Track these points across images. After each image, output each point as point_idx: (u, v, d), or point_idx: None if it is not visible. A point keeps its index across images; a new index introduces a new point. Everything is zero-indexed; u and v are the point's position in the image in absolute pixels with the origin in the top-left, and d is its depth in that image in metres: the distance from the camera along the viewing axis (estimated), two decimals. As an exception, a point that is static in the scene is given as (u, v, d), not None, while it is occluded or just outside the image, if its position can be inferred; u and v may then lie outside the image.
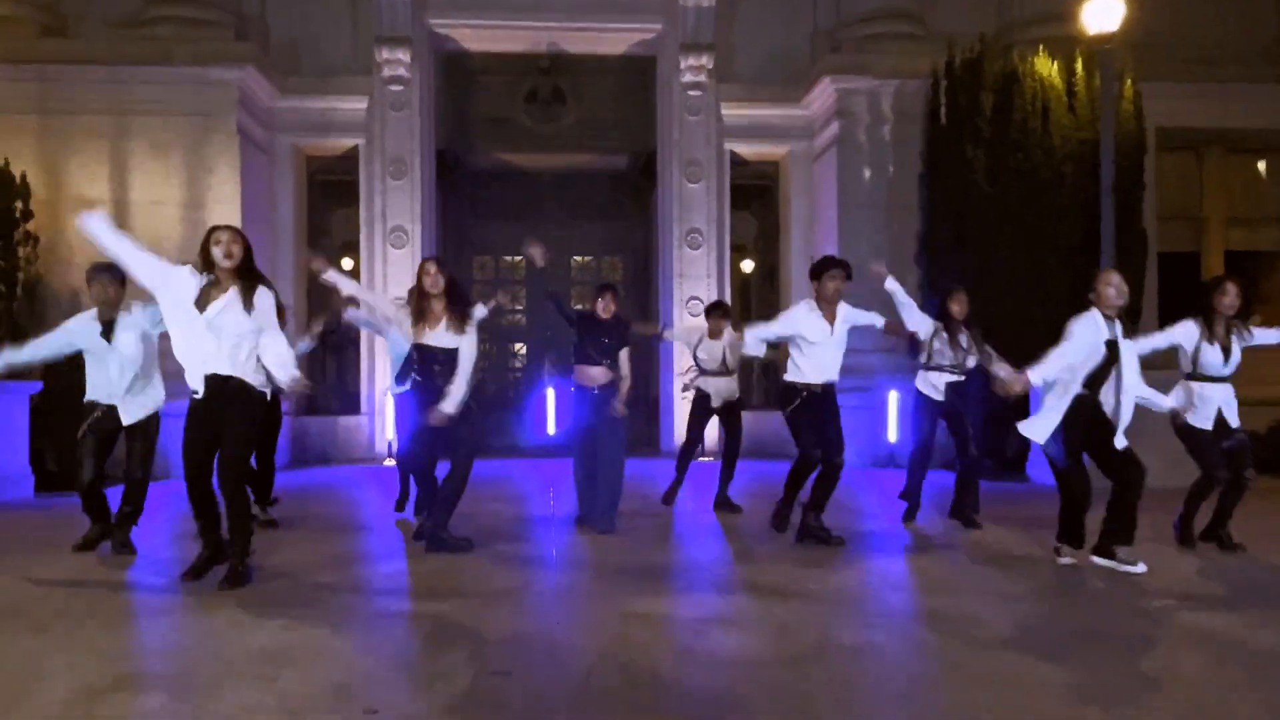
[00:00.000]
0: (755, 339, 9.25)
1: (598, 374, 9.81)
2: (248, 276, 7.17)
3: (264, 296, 7.17)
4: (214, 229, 7.16)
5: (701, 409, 11.74)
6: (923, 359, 10.30)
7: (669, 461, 12.93)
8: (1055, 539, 8.18)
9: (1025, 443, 14.20)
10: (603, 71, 20.29)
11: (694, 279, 18.59)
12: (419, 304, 8.62)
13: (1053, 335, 8.46)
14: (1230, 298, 8.74)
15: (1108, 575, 7.62)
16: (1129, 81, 15.76)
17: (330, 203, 20.42)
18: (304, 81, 17.96)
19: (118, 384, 8.47)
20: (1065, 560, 8.04)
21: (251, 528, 7.48)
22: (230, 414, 7.12)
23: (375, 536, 9.77)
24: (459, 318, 8.54)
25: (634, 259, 22.44)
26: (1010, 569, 7.88)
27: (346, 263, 20.49)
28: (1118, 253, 14.13)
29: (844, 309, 9.11)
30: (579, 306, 10.49)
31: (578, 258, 22.59)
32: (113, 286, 8.58)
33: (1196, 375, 8.79)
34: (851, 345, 9.32)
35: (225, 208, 16.07)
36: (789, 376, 9.14)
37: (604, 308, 9.91)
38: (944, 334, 10.16)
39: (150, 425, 8.65)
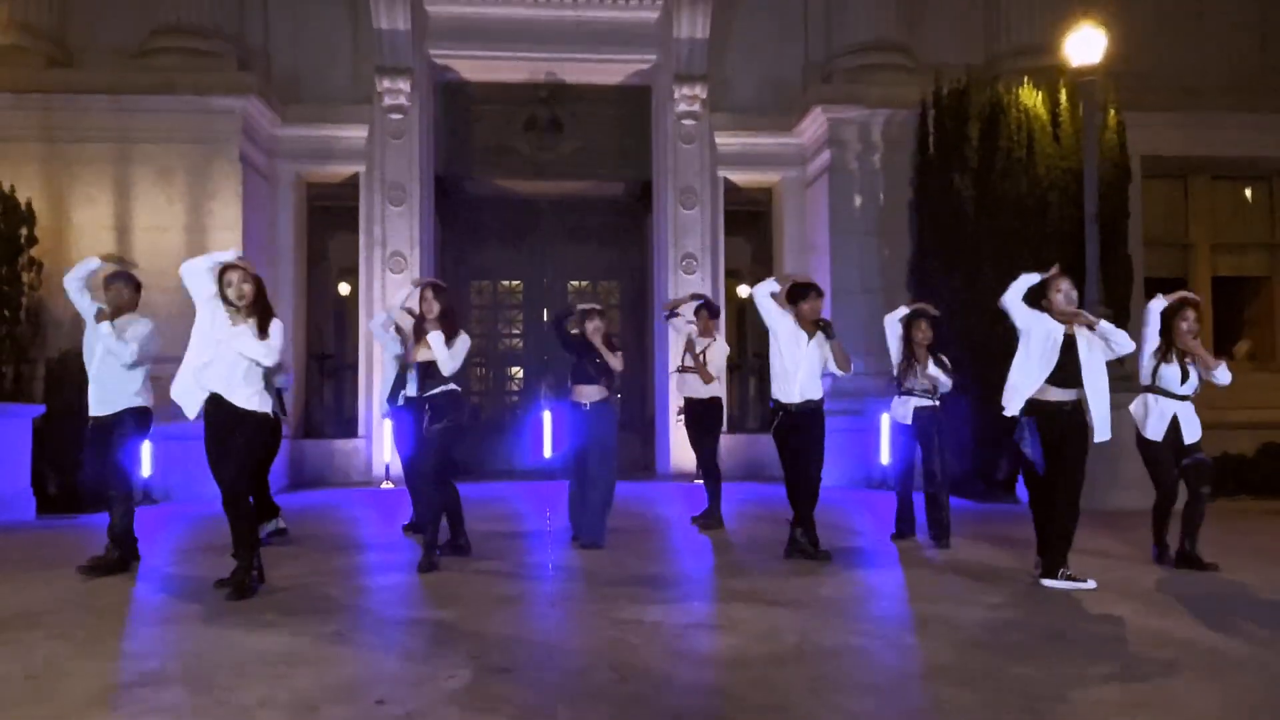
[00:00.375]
0: (763, 287, 9.47)
1: (591, 391, 10.19)
2: (262, 311, 7.69)
3: (277, 327, 7.71)
4: (225, 269, 7.62)
5: (692, 420, 12.24)
6: (895, 386, 10.74)
7: (665, 484, 13.18)
8: (1037, 553, 8.43)
9: (1016, 466, 14.54)
10: (600, 101, 20.51)
11: (689, 304, 18.70)
12: (417, 327, 9.06)
13: None
14: (1189, 323, 9.04)
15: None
16: (1112, 111, 16.10)
17: (329, 228, 20.58)
18: (305, 110, 18.23)
19: (92, 372, 8.84)
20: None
21: (256, 541, 7.86)
22: (232, 437, 7.60)
23: (376, 552, 10.10)
24: (445, 332, 8.92)
25: (631, 283, 22.53)
26: (989, 581, 8.20)
27: (344, 287, 20.80)
28: (1103, 279, 14.46)
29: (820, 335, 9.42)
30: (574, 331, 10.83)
31: (575, 282, 22.68)
32: (127, 290, 9.11)
33: (1154, 388, 9.08)
34: (843, 366, 9.61)
35: (227, 234, 16.31)
36: (772, 394, 9.48)
37: (594, 330, 10.25)
38: (906, 361, 10.55)
39: (116, 426, 8.82)
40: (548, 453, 17.89)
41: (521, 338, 22.39)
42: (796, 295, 9.47)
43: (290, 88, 18.37)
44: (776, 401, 9.40)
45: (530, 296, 22.36)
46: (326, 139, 18.39)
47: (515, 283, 22.55)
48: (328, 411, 20.24)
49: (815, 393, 9.35)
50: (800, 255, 19.24)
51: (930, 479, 10.49)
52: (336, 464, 18.22)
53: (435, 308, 8.97)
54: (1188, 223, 19.45)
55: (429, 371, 8.98)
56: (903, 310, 10.75)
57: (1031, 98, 15.98)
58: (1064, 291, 8.05)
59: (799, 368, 9.26)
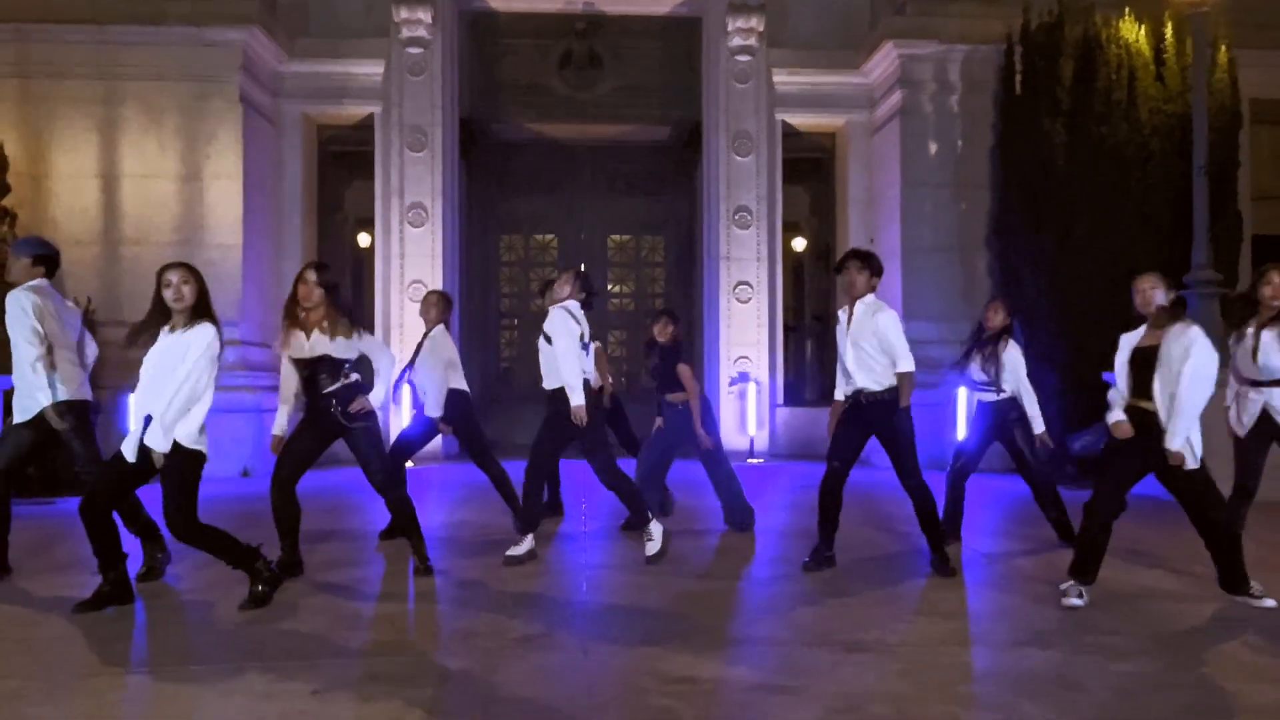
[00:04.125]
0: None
1: (674, 398, 10.24)
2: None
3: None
4: (161, 270, 6.91)
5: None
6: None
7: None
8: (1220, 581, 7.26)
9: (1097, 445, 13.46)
10: (644, 34, 19.68)
11: (742, 261, 17.92)
12: (289, 313, 8.02)
13: (1136, 327, 7.77)
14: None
15: (1237, 625, 6.77)
16: (1223, 48, 14.96)
17: (345, 175, 19.86)
18: (314, 43, 17.37)
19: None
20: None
21: (244, 549, 7.12)
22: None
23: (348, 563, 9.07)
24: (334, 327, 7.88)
25: (677, 238, 21.74)
26: (1115, 611, 7.06)
27: (364, 239, 19.91)
28: (1210, 238, 13.40)
29: (868, 311, 8.15)
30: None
31: (615, 237, 21.88)
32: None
33: None
34: (914, 336, 8.60)
35: (226, 182, 15.62)
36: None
37: (659, 331, 10.35)
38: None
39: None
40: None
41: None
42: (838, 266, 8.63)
43: (297, 18, 17.54)
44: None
45: (565, 252, 21.64)
46: (338, 76, 17.49)
47: (549, 237, 21.72)
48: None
49: (874, 381, 8.16)
50: (866, 208, 18.38)
51: (1025, 471, 9.70)
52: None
53: (316, 294, 7.83)
54: (1298, 174, 18.33)
55: (324, 367, 7.85)
56: None
57: (1132, 32, 14.90)
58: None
59: (846, 354, 8.30)
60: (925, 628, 6.79)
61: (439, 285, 17.27)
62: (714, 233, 18.35)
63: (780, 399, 18.40)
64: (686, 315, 20.33)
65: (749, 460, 16.60)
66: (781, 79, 18.17)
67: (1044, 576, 8.11)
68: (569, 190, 21.45)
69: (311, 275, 7.85)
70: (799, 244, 22.43)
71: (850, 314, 8.21)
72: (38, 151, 15.27)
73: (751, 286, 17.94)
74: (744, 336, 17.80)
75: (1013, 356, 9.44)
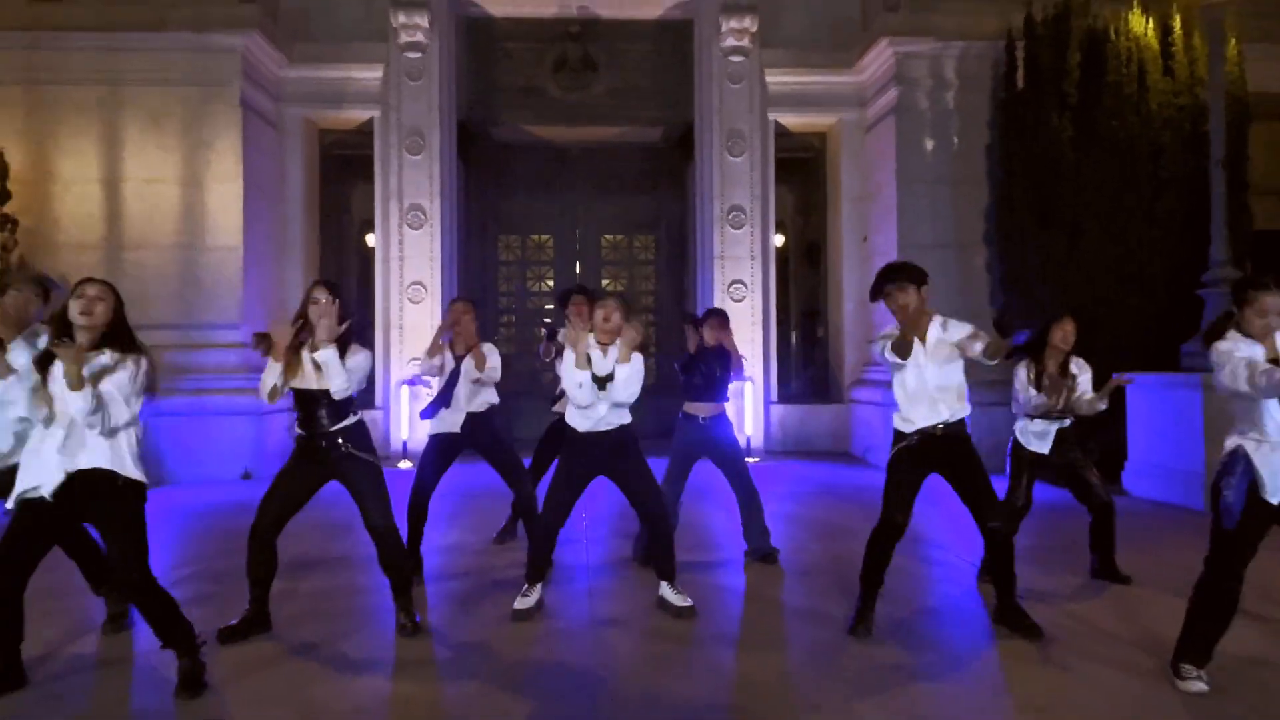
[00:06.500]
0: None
1: (706, 408, 8.63)
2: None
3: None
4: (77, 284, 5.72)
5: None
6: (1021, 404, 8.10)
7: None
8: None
9: (1117, 442, 12.65)
10: (637, 37, 18.88)
11: (737, 260, 17.12)
12: (296, 340, 6.61)
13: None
14: None
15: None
16: (1232, 41, 14.04)
17: (350, 178, 19.13)
18: (314, 48, 16.55)
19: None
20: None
21: (183, 618, 5.67)
22: (99, 514, 5.57)
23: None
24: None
25: (668, 238, 20.96)
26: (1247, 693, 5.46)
27: (371, 240, 19.11)
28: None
29: (939, 325, 6.55)
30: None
31: (608, 236, 21.03)
32: (33, 304, 6.63)
33: None
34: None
35: (227, 186, 14.83)
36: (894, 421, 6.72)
37: (709, 335, 8.62)
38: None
39: None
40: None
41: (552, 296, 20.72)
42: (876, 290, 6.75)
43: (297, 23, 16.70)
44: (897, 429, 6.61)
45: (561, 252, 20.81)
46: (338, 80, 16.69)
47: (545, 237, 20.88)
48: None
49: (953, 412, 6.48)
50: (857, 205, 17.75)
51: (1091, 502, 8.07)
52: (348, 440, 16.37)
53: (333, 311, 6.47)
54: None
55: (328, 401, 6.54)
56: None
57: (1141, 25, 14.10)
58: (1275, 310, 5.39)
59: (921, 380, 6.48)
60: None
61: (438, 287, 16.60)
62: (708, 232, 17.56)
63: (774, 396, 17.67)
64: (680, 314, 19.56)
65: (747, 460, 15.79)
66: (774, 79, 17.43)
67: (1118, 633, 6.58)
68: (564, 191, 20.65)
69: (323, 294, 6.53)
70: (778, 240, 21.58)
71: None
72: (40, 157, 14.46)
73: (746, 285, 17.16)
74: (739, 335, 16.69)
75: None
